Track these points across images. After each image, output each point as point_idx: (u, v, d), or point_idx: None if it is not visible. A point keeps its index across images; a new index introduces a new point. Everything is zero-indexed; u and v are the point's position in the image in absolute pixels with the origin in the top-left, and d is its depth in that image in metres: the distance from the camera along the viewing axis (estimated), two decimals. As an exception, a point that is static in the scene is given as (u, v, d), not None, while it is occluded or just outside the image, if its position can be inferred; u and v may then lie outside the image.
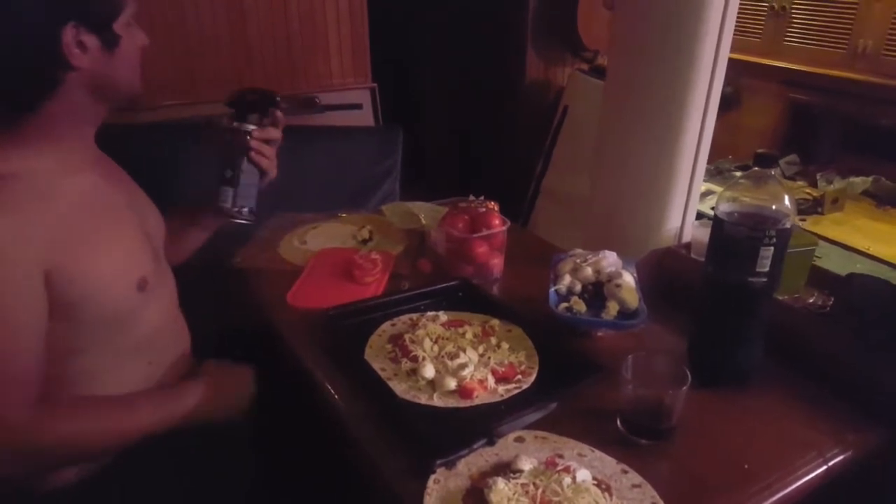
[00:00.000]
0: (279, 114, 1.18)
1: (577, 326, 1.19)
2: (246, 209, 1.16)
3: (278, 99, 1.14)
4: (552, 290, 1.23)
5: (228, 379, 1.13)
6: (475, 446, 0.90)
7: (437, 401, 0.99)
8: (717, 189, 2.39)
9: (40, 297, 0.88)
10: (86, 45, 0.89)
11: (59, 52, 0.87)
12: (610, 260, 1.28)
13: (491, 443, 0.91)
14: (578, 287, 1.24)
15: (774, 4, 2.64)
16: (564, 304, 1.20)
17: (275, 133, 1.19)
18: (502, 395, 1.01)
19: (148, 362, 1.07)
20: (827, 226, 2.21)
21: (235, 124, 1.13)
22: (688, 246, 1.46)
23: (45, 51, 0.87)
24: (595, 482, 0.84)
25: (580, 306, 1.19)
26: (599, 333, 1.20)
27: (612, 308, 1.18)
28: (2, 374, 0.85)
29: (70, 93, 0.91)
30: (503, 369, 1.06)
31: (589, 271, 1.25)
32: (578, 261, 1.28)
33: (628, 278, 1.23)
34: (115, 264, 0.97)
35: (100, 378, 1.00)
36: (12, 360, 0.86)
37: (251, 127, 1.14)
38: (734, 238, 0.98)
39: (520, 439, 0.93)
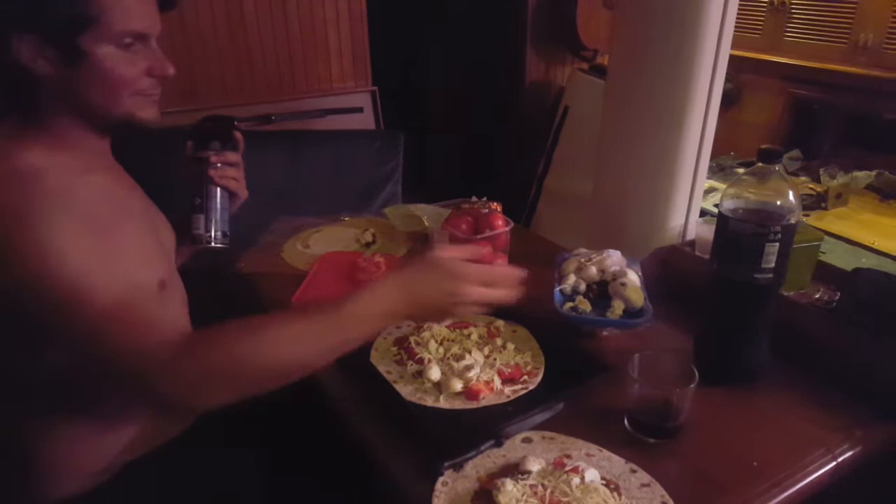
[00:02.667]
0: (238, 135, 1.20)
1: (583, 326, 1.19)
2: (219, 233, 1.17)
3: (236, 122, 1.16)
4: (557, 289, 1.23)
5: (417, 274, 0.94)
6: (483, 448, 0.90)
7: (444, 403, 0.99)
8: (720, 186, 2.38)
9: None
10: (46, 54, 0.86)
11: (15, 58, 0.85)
12: (614, 259, 1.27)
13: (498, 444, 0.91)
14: (583, 286, 1.23)
15: (774, 0, 2.63)
16: (570, 304, 1.20)
17: (233, 157, 1.19)
18: (509, 397, 1.01)
19: None
20: (831, 221, 2.20)
21: (198, 153, 1.15)
22: (692, 243, 1.45)
23: (4, 57, 0.85)
24: (604, 482, 0.84)
25: (585, 306, 1.19)
26: (605, 333, 1.19)
27: (618, 307, 1.18)
28: (136, 308, 0.84)
29: (54, 100, 0.90)
30: (509, 370, 1.06)
31: (593, 270, 1.25)
32: (583, 260, 1.28)
33: (633, 277, 1.22)
34: (138, 261, 0.96)
35: None
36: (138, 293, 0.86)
37: (209, 153, 1.16)
38: (739, 234, 0.97)
39: (527, 440, 0.92)
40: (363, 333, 0.89)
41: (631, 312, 1.18)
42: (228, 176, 1.18)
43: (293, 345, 0.85)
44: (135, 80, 0.92)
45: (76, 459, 0.97)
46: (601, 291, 1.23)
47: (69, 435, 0.96)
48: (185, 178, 1.16)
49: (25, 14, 0.84)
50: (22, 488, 1.00)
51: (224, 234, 1.18)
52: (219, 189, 1.16)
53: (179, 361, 0.81)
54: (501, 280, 0.95)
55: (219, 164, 1.16)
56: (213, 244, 1.16)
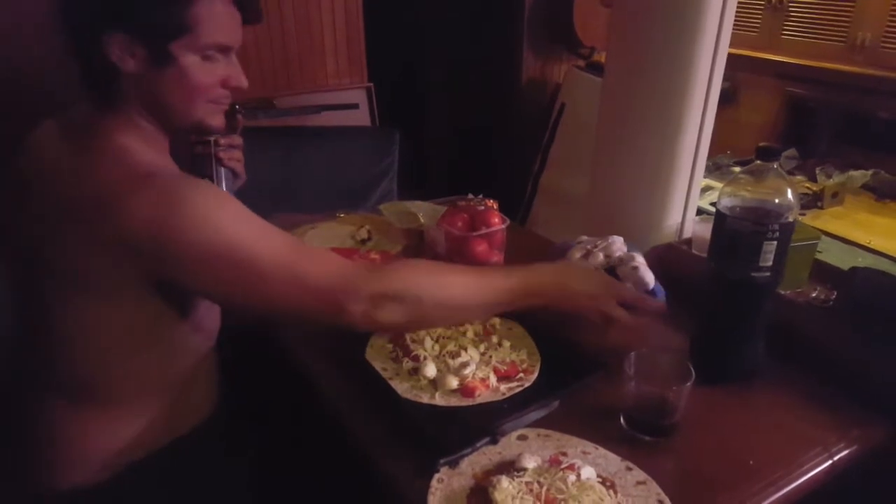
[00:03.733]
0: (239, 118, 1.23)
1: None
2: None
3: (237, 106, 1.18)
4: None
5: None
6: (478, 445, 0.89)
7: (439, 400, 0.99)
8: (717, 185, 2.38)
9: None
10: (135, 53, 0.89)
11: (104, 52, 0.88)
12: (618, 244, 1.29)
13: (494, 441, 0.91)
14: None
15: (771, -2, 2.64)
16: None
17: (237, 139, 1.24)
18: (504, 394, 1.00)
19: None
20: (827, 220, 2.20)
21: (205, 137, 1.18)
22: (689, 242, 1.45)
23: (93, 51, 0.89)
24: (599, 479, 0.84)
25: None
26: None
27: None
28: (304, 253, 0.93)
29: (133, 94, 0.93)
30: (505, 367, 1.05)
31: (601, 256, 1.27)
32: (589, 247, 1.29)
33: (641, 259, 1.23)
34: None
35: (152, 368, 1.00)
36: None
37: (217, 136, 1.19)
38: (736, 233, 0.97)
39: (523, 437, 0.92)
40: (515, 302, 1.02)
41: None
42: (234, 157, 1.23)
43: (462, 289, 0.99)
44: (211, 88, 0.96)
45: (86, 448, 0.98)
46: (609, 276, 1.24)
47: (82, 423, 0.97)
48: (188, 161, 1.18)
49: (123, 14, 0.88)
50: (31, 475, 1.01)
51: None
52: (224, 170, 1.21)
53: (367, 280, 0.92)
54: (648, 309, 1.09)
55: (225, 146, 1.20)
56: None
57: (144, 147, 0.94)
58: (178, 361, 1.03)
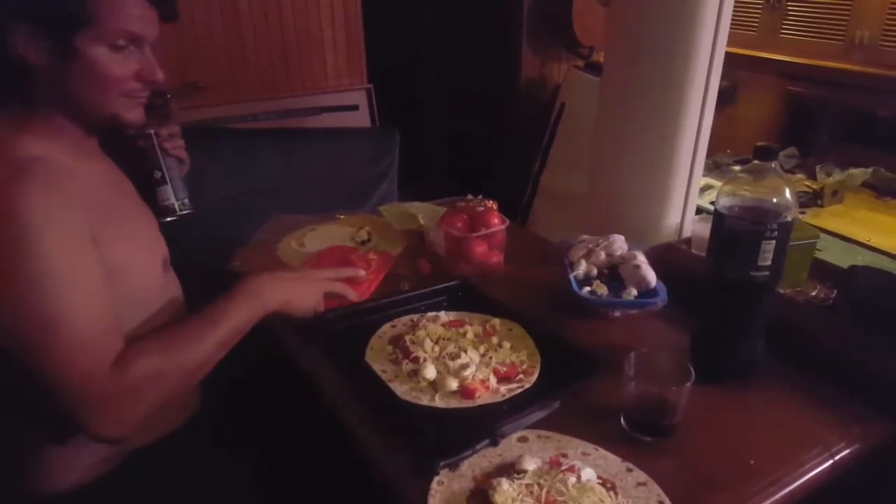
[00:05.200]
0: (173, 106, 1.23)
1: (605, 308, 1.22)
2: (185, 200, 1.24)
3: (168, 96, 1.21)
4: (571, 276, 1.25)
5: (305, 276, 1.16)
6: (478, 447, 0.89)
7: (439, 402, 0.99)
8: (716, 184, 2.38)
9: (95, 257, 0.89)
10: (40, 46, 0.88)
11: (11, 46, 0.87)
12: (619, 243, 1.30)
13: (494, 443, 0.90)
14: (595, 272, 1.27)
15: (770, -3, 2.63)
16: (587, 288, 1.22)
17: (175, 127, 1.24)
18: (504, 395, 1.00)
19: None
20: (827, 218, 2.20)
21: (146, 130, 1.19)
22: (688, 241, 1.45)
23: (1, 44, 0.87)
24: (600, 481, 0.83)
25: (602, 289, 1.22)
26: (616, 314, 1.22)
27: (632, 288, 1.21)
28: (80, 337, 0.85)
29: (47, 91, 0.92)
30: (505, 369, 1.05)
31: (603, 255, 1.28)
32: (591, 246, 1.30)
33: (642, 257, 1.25)
34: (141, 239, 1.02)
35: None
36: (86, 322, 0.86)
37: (159, 127, 1.20)
38: (735, 232, 0.97)
39: (523, 439, 0.92)
40: (244, 328, 1.00)
41: (643, 293, 1.20)
42: (177, 146, 1.23)
43: (196, 343, 0.94)
44: (123, 81, 0.94)
45: (77, 445, 0.97)
46: (611, 275, 1.26)
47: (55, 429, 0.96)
48: (132, 159, 1.18)
49: (24, 5, 0.86)
50: (22, 477, 1.00)
51: (189, 200, 1.25)
52: (171, 159, 1.22)
53: (104, 402, 0.85)
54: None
55: (168, 137, 1.21)
56: (182, 211, 1.23)
57: (53, 147, 0.92)
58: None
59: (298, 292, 1.09)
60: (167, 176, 1.20)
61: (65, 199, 0.87)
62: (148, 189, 1.19)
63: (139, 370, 0.87)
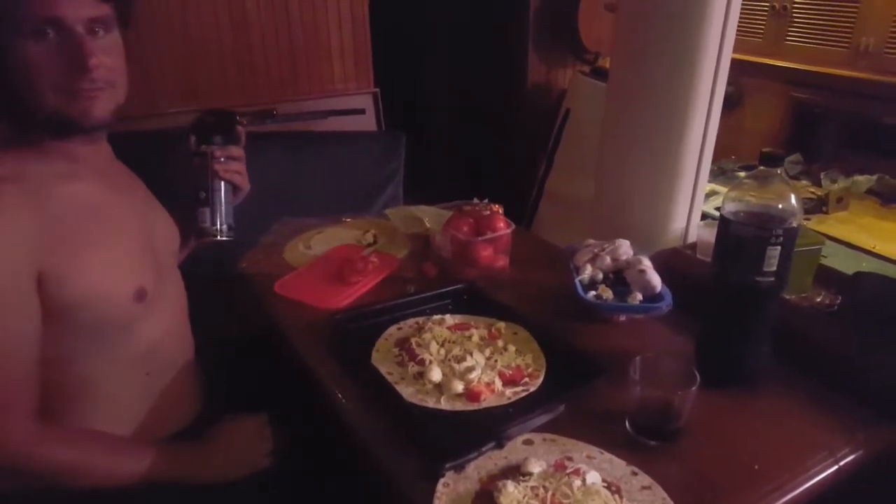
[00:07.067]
0: (240, 129, 1.21)
1: (611, 312, 1.23)
2: (225, 226, 1.19)
3: (238, 117, 1.17)
4: (576, 280, 1.25)
5: (237, 436, 1.10)
6: (484, 449, 0.90)
7: (445, 404, 0.99)
8: (721, 189, 2.38)
9: (31, 300, 0.87)
10: None
11: None
12: (625, 248, 1.31)
13: (499, 446, 0.91)
14: (600, 276, 1.27)
15: (775, 4, 2.63)
16: (593, 293, 1.22)
17: (237, 151, 1.20)
18: (510, 398, 1.01)
19: (146, 373, 1.07)
20: (832, 225, 2.20)
21: (201, 148, 1.16)
22: (693, 246, 1.45)
23: None
24: (605, 484, 0.84)
25: (607, 293, 1.22)
26: (622, 319, 1.22)
27: (637, 293, 1.22)
28: None
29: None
30: (510, 372, 1.06)
31: (608, 260, 1.28)
32: (596, 250, 1.30)
33: (648, 262, 1.25)
34: (109, 271, 0.96)
35: (96, 387, 1.00)
36: (5, 371, 0.85)
37: (213, 148, 1.17)
38: (741, 238, 0.97)
39: (528, 442, 0.92)
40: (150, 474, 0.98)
41: (648, 298, 1.21)
42: (232, 170, 1.19)
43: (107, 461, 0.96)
44: (49, 73, 0.86)
45: None
46: (617, 279, 1.27)
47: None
48: (188, 172, 1.17)
49: None
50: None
51: (230, 227, 1.20)
52: (223, 183, 1.18)
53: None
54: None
55: (222, 158, 1.17)
56: (219, 237, 1.18)
57: (29, 167, 0.89)
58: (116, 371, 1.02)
59: (228, 461, 1.06)
60: (211, 198, 1.16)
61: (9, 229, 0.84)
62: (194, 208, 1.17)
63: (47, 454, 0.90)
